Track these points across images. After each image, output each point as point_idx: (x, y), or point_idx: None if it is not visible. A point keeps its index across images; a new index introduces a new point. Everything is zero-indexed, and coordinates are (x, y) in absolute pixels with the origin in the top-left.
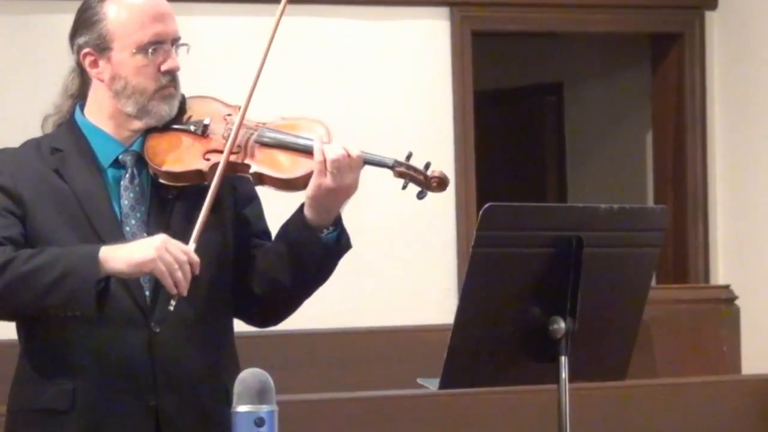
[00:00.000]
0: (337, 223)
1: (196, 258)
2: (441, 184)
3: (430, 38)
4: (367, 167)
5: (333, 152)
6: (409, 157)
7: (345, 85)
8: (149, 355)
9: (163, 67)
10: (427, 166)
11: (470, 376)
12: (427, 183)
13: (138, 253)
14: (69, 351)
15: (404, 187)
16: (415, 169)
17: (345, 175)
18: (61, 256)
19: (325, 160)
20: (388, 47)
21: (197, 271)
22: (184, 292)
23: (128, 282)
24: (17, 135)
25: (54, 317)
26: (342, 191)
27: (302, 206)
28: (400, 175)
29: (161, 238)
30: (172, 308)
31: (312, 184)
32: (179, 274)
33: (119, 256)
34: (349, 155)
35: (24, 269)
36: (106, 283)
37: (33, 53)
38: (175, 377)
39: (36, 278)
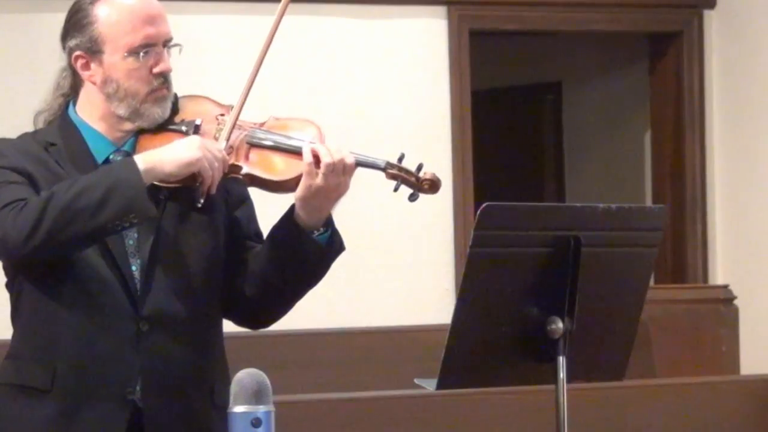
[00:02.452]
0: (329, 224)
1: (227, 158)
2: (433, 186)
3: (428, 37)
4: (358, 169)
5: (323, 153)
6: (401, 158)
7: (342, 84)
8: (135, 352)
9: (155, 70)
10: (419, 167)
11: (468, 376)
12: (419, 185)
13: (185, 153)
14: (57, 334)
15: (396, 189)
16: (407, 171)
17: (335, 177)
18: (100, 176)
19: (314, 162)
20: (386, 46)
21: (226, 170)
22: (214, 190)
23: (122, 270)
24: (12, 134)
25: (50, 297)
26: (332, 192)
27: (293, 207)
28: (392, 177)
29: (199, 138)
30: (200, 204)
31: (302, 185)
32: (217, 174)
33: (165, 160)
34: (341, 159)
35: (67, 197)
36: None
37: (30, 52)
38: (160, 376)
39: (83, 201)
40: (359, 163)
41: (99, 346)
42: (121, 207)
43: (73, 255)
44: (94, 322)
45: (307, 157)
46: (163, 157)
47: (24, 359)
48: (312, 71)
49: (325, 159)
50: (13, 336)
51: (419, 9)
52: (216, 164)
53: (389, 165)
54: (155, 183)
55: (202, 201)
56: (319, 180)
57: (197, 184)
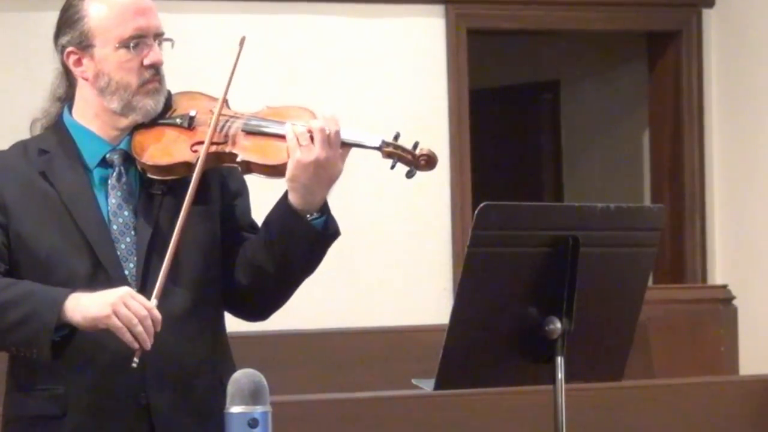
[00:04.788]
0: (324, 209)
1: (157, 315)
2: (429, 162)
3: (426, 36)
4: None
5: (301, 126)
6: (396, 137)
7: (340, 83)
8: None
9: (146, 61)
10: (416, 145)
11: (465, 376)
12: (416, 162)
13: (94, 308)
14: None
15: (392, 167)
16: (402, 149)
17: (320, 149)
18: (29, 296)
19: (295, 135)
20: (384, 45)
21: (159, 328)
22: (147, 347)
23: (114, 281)
24: (8, 133)
25: None
26: (319, 167)
27: (287, 192)
28: (388, 155)
29: (119, 293)
30: (135, 365)
31: (289, 163)
32: (139, 329)
33: (78, 308)
34: (323, 128)
35: None
36: (71, 330)
37: (27, 51)
38: (166, 374)
39: (1, 315)
40: (353, 144)
41: (103, 361)
42: (26, 339)
43: None
44: (94, 337)
45: (289, 133)
46: (77, 305)
47: (31, 389)
48: (309, 70)
49: (302, 129)
50: (13, 368)
51: (417, 8)
52: (135, 321)
53: (385, 143)
54: (151, 177)
55: (136, 361)
56: (303, 152)
57: (191, 174)
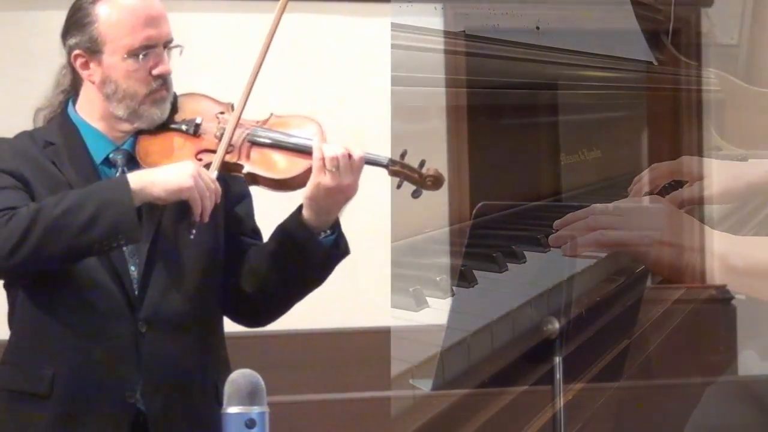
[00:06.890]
0: (335, 227)
1: (219, 188)
2: (436, 182)
3: (423, 35)
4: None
5: (332, 150)
6: (403, 155)
7: (337, 83)
8: (135, 354)
9: (155, 72)
10: (422, 164)
11: (464, 376)
12: (422, 181)
13: (176, 179)
14: (53, 337)
15: (399, 186)
16: (409, 168)
17: (344, 175)
18: (91, 193)
19: (323, 158)
20: (380, 44)
21: (218, 200)
22: (206, 220)
23: (119, 271)
24: (6, 132)
25: (47, 301)
26: (341, 191)
27: (300, 207)
28: (394, 173)
29: (192, 165)
30: (192, 236)
31: (310, 183)
32: (208, 202)
33: (156, 182)
34: (350, 155)
35: (56, 212)
36: (139, 212)
37: (22, 50)
38: (163, 377)
39: (71, 218)
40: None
41: (97, 351)
42: (109, 228)
43: (59, 268)
44: (91, 326)
45: (317, 153)
46: (154, 179)
47: (22, 365)
48: (305, 70)
49: (332, 155)
50: (10, 340)
51: (415, 7)
52: (207, 194)
53: (392, 162)
54: None
55: (194, 232)
56: (327, 178)
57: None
